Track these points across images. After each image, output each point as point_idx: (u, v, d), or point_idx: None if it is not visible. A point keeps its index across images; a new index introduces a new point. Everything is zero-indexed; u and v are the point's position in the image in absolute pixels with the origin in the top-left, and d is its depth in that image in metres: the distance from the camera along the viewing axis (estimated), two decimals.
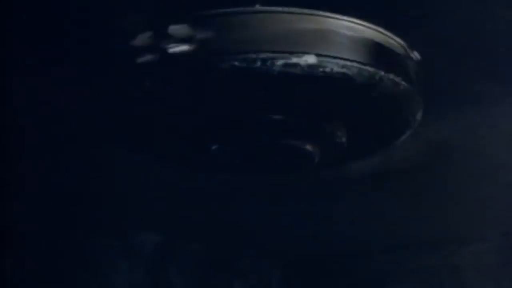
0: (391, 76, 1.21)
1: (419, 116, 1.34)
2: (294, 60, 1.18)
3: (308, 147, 1.30)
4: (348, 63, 1.19)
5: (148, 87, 1.21)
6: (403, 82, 1.23)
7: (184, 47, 1.17)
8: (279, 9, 1.19)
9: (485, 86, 1.67)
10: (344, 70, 1.19)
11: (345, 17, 1.19)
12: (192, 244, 3.44)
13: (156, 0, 1.27)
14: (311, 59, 1.18)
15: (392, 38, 1.23)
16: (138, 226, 3.17)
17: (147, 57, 1.20)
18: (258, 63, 1.18)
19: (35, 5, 1.20)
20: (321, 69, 1.18)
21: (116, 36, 1.23)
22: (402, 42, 1.24)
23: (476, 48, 1.45)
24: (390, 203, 2.93)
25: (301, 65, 1.18)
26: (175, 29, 1.18)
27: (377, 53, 1.21)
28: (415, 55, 1.26)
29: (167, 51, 1.17)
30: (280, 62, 1.18)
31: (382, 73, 1.21)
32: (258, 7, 1.21)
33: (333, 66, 1.19)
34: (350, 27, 1.20)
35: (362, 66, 1.20)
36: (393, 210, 3.12)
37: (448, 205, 3.03)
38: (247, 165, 1.41)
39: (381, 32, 1.22)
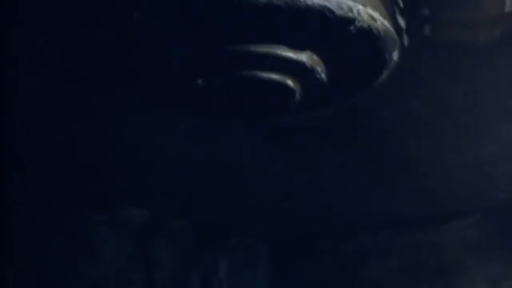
0: (369, 10, 1.28)
1: (395, 55, 1.40)
2: None
3: (289, 82, 1.36)
4: None
5: (137, 18, 1.26)
6: (380, 17, 1.29)
7: None
8: None
9: None
10: (324, 3, 1.25)
11: None
12: (179, 221, 3.50)
13: None
14: None
15: None
16: (125, 200, 3.22)
17: None
18: None
19: None
20: (303, 2, 1.25)
21: None
22: None
23: None
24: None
25: None
26: None
27: None
28: None
29: None
30: None
31: (360, 7, 1.27)
32: None
33: None
34: None
35: (342, 0, 1.26)
36: (374, 185, 3.19)
37: (430, 179, 3.11)
38: (231, 105, 1.47)
39: None
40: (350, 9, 1.25)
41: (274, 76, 1.34)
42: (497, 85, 2.20)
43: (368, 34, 1.31)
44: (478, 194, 3.23)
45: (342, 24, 1.27)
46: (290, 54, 1.32)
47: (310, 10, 1.25)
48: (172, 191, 3.23)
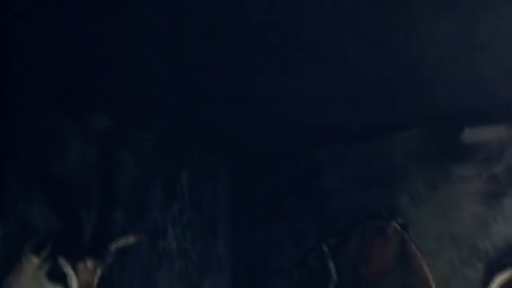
0: None
1: None
2: None
3: None
4: None
5: None
6: None
7: None
8: None
9: None
10: None
11: None
12: (143, 132, 3.69)
13: None
14: None
15: None
16: (93, 108, 3.40)
17: None
18: None
19: None
20: None
21: None
22: None
23: None
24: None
25: None
26: None
27: None
28: None
29: None
30: None
31: None
32: None
33: None
34: None
35: None
36: (328, 97, 3.39)
37: (377, 90, 3.31)
38: None
39: None
40: None
41: None
42: None
43: None
44: (422, 104, 3.45)
45: None
46: None
47: None
48: (138, 102, 3.40)
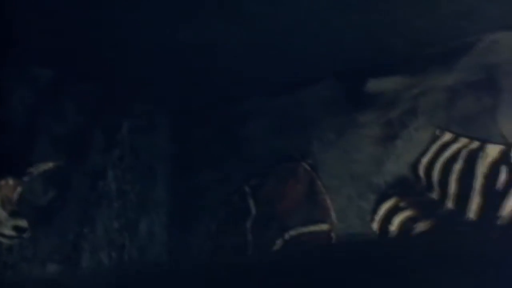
0: None
1: None
2: None
3: None
4: None
5: None
6: None
7: None
8: None
9: None
10: None
11: None
12: (84, 83, 4.04)
13: None
14: None
15: None
16: (34, 60, 3.75)
17: None
18: None
19: None
20: None
21: None
22: None
23: None
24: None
25: None
26: None
27: None
28: None
29: None
30: None
31: None
32: None
33: None
34: None
35: None
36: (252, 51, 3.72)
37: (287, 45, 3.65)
38: None
39: None
40: None
41: None
42: None
43: None
44: (332, 57, 3.77)
45: None
46: None
47: None
48: (79, 55, 3.74)
